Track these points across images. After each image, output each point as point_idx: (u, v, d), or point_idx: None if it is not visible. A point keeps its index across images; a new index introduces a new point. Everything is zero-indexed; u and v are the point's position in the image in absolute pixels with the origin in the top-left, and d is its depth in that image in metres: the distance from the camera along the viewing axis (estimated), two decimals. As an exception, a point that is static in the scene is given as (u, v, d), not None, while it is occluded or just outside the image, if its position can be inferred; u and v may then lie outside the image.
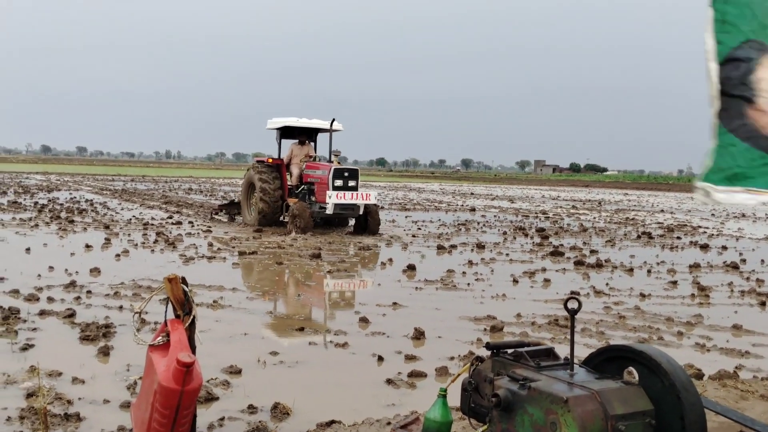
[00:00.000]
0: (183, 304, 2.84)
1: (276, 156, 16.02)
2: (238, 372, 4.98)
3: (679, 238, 16.59)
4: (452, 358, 5.55)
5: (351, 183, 14.43)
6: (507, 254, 12.32)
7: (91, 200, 22.32)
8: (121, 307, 6.83)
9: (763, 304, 8.44)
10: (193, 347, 2.83)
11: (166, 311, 2.94)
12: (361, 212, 14.48)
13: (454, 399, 3.22)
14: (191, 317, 2.83)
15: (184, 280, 2.84)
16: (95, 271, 8.77)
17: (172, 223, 15.64)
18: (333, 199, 14.01)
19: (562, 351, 2.98)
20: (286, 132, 16.00)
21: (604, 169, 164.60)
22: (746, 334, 6.82)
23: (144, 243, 11.95)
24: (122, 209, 19.37)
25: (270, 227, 14.84)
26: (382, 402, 4.53)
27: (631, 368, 2.56)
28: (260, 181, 14.96)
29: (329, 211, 14.19)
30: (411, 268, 10.12)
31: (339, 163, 14.72)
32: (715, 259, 12.63)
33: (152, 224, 15.24)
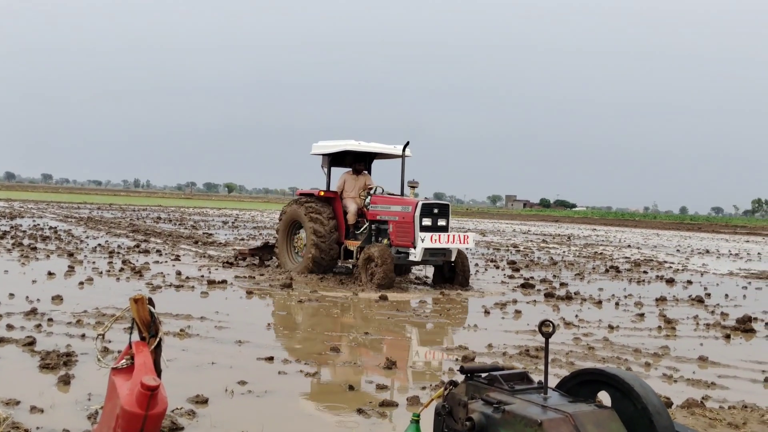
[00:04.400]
0: (149, 326, 2.75)
1: (322, 187, 12.88)
2: (205, 402, 4.85)
3: (645, 272, 16.78)
4: (424, 388, 5.49)
5: (441, 222, 11.56)
6: (479, 286, 12.33)
7: (56, 228, 21.91)
8: (83, 336, 6.65)
9: (728, 336, 8.53)
10: (159, 371, 2.74)
11: (131, 333, 2.85)
12: (452, 258, 11.73)
13: (428, 426, 3.16)
14: (157, 339, 2.75)
15: (150, 301, 2.77)
16: (57, 298, 8.56)
17: (139, 252, 15.40)
18: (426, 242, 11.04)
19: (534, 379, 2.95)
20: (337, 159, 13.11)
21: (573, 205, 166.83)
22: (712, 366, 6.86)
23: (109, 271, 11.73)
24: (87, 237, 19.02)
25: (324, 274, 12.19)
26: (352, 432, 4.45)
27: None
28: (311, 219, 12.17)
29: (417, 257, 11.25)
30: (383, 298, 10.06)
31: (416, 196, 12.05)
32: (681, 293, 12.79)
33: (118, 252, 14.98)
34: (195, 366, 5.83)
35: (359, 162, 12.85)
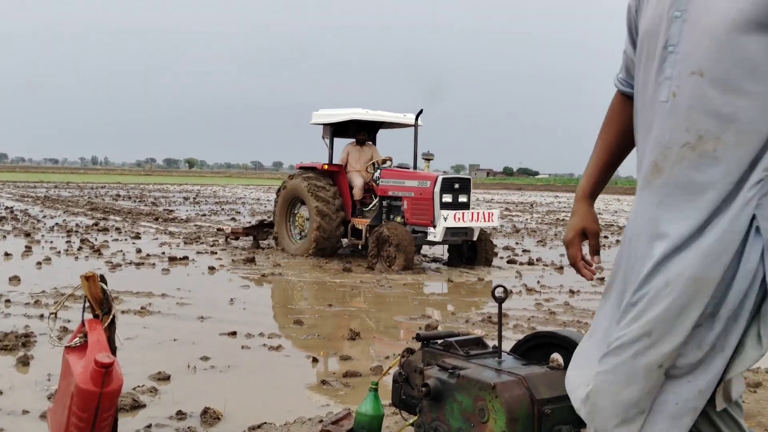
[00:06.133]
0: (102, 304, 2.73)
1: (322, 160, 11.85)
2: (167, 378, 4.83)
3: (606, 237, 17.09)
4: (387, 357, 5.54)
5: (462, 198, 10.53)
6: (442, 254, 12.41)
7: (11, 207, 21.42)
8: (41, 316, 6.56)
9: (685, 297, 8.74)
10: (113, 348, 2.72)
11: (83, 311, 2.82)
12: (475, 237, 10.73)
13: (387, 394, 3.20)
14: (111, 317, 2.73)
15: (102, 278, 2.73)
16: (14, 279, 8.41)
17: (98, 230, 15.15)
18: (449, 221, 10.01)
19: (489, 344, 3.00)
20: (339, 129, 12.07)
21: (536, 173, 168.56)
22: (670, 326, 7.04)
23: (67, 250, 11.53)
24: (45, 216, 18.64)
25: (328, 257, 11.20)
26: (317, 403, 4.48)
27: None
28: (314, 194, 11.05)
29: (437, 237, 10.22)
30: (347, 270, 10.08)
31: (429, 168, 11.03)
32: (640, 256, 13.04)
33: (77, 231, 14.72)
34: (157, 343, 5.79)
35: (362, 132, 11.88)
